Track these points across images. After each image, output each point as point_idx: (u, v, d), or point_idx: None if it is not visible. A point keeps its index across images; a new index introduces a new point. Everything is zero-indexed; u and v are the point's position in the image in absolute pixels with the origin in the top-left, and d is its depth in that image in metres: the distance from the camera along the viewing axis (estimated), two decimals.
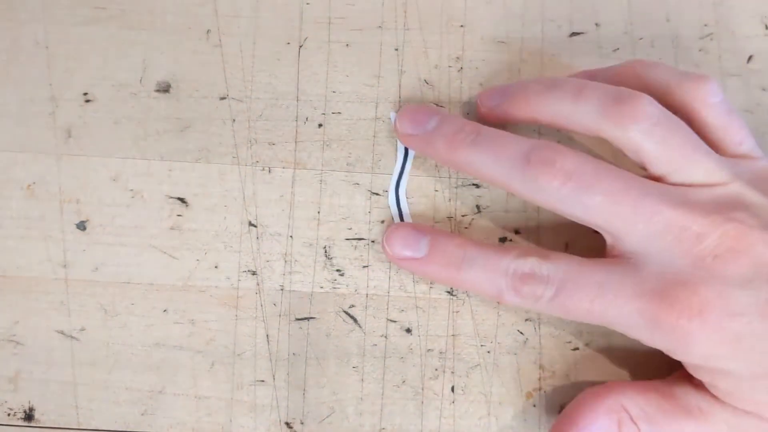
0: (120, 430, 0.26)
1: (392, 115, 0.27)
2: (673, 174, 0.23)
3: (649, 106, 0.23)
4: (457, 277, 0.25)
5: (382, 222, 0.27)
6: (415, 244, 0.25)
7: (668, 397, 0.24)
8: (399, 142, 0.27)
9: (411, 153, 0.27)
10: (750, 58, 0.29)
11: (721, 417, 0.23)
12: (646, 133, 0.23)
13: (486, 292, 0.24)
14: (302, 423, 0.26)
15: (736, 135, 0.24)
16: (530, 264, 0.23)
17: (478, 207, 0.27)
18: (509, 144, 0.24)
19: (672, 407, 0.23)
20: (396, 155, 0.27)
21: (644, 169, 0.24)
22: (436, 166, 0.28)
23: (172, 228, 0.27)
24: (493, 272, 0.24)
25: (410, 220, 0.27)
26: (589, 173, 0.23)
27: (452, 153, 0.25)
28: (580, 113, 0.24)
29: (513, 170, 0.23)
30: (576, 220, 0.24)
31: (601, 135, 0.23)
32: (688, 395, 0.23)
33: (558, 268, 0.23)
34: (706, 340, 0.22)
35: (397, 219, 0.27)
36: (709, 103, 0.24)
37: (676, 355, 0.23)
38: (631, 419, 0.23)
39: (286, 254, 0.27)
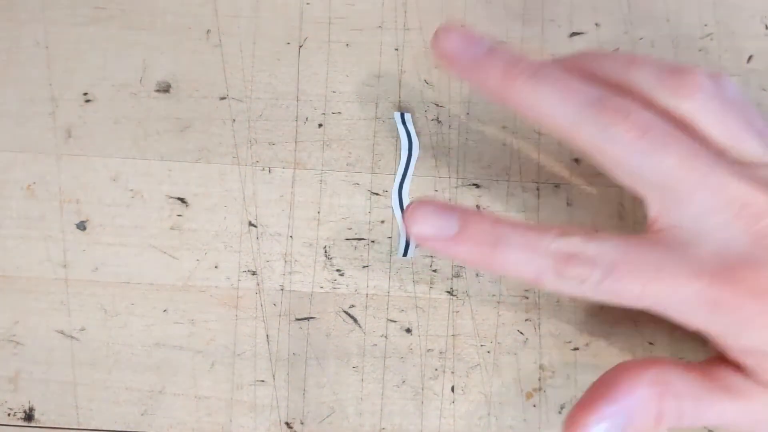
0: (120, 430, 0.26)
1: (396, 115, 0.27)
2: (729, 150, 0.22)
3: (706, 80, 0.22)
4: (492, 259, 0.22)
5: (382, 222, 0.27)
6: (444, 221, 0.22)
7: (711, 378, 0.23)
8: (403, 144, 0.27)
9: (415, 153, 0.27)
10: (750, 58, 0.29)
11: (762, 399, 0.22)
12: (703, 106, 0.22)
13: (524, 274, 0.22)
14: (302, 423, 0.26)
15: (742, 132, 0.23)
16: (574, 243, 0.21)
17: (478, 207, 0.27)
18: (578, 85, 0.21)
19: (714, 386, 0.22)
20: (399, 155, 0.27)
21: None
22: (436, 165, 0.28)
23: (172, 228, 0.27)
24: (533, 252, 0.21)
25: None
26: (663, 132, 0.21)
27: (509, 84, 0.22)
28: (636, 78, 0.22)
29: (583, 113, 0.21)
30: (631, 182, 0.22)
31: (654, 104, 0.22)
32: (730, 377, 0.22)
33: (605, 247, 0.21)
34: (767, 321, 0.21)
35: (400, 222, 0.27)
36: (699, 100, 0.22)
37: (729, 338, 0.22)
38: (675, 395, 0.22)
39: (286, 254, 0.27)
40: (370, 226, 0.27)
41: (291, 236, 0.27)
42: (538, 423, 0.27)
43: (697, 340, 0.27)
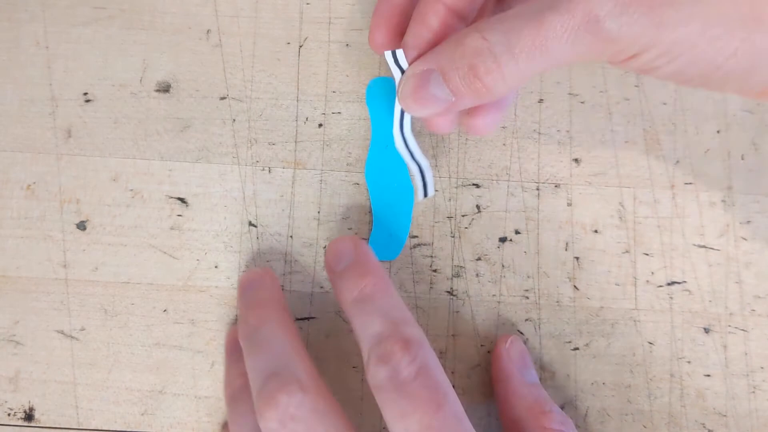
0: (120, 430, 0.26)
1: (387, 54, 0.24)
2: None
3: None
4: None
5: None
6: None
7: None
8: (398, 81, 0.24)
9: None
10: None
11: None
12: None
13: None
14: None
15: None
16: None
17: (478, 207, 0.27)
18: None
19: None
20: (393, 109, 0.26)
21: None
22: (437, 165, 0.28)
23: (172, 228, 0.27)
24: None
25: (422, 159, 0.26)
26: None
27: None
28: None
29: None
30: None
31: None
32: None
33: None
34: None
35: (409, 160, 0.26)
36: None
37: None
38: None
39: (286, 254, 0.27)
40: (371, 226, 0.27)
41: (291, 236, 0.27)
42: None
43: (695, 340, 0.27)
